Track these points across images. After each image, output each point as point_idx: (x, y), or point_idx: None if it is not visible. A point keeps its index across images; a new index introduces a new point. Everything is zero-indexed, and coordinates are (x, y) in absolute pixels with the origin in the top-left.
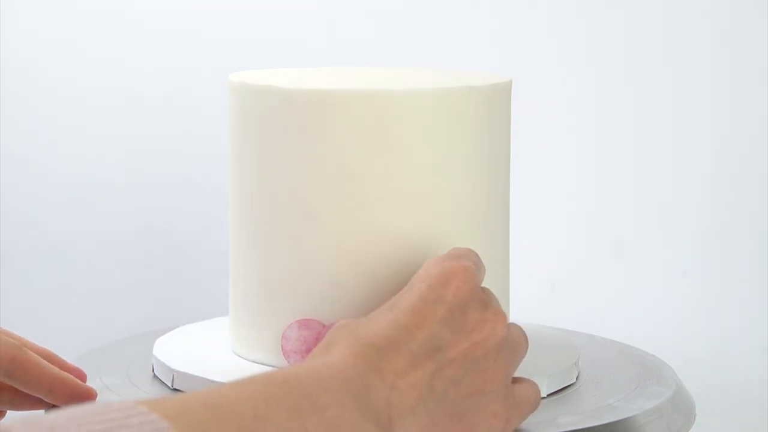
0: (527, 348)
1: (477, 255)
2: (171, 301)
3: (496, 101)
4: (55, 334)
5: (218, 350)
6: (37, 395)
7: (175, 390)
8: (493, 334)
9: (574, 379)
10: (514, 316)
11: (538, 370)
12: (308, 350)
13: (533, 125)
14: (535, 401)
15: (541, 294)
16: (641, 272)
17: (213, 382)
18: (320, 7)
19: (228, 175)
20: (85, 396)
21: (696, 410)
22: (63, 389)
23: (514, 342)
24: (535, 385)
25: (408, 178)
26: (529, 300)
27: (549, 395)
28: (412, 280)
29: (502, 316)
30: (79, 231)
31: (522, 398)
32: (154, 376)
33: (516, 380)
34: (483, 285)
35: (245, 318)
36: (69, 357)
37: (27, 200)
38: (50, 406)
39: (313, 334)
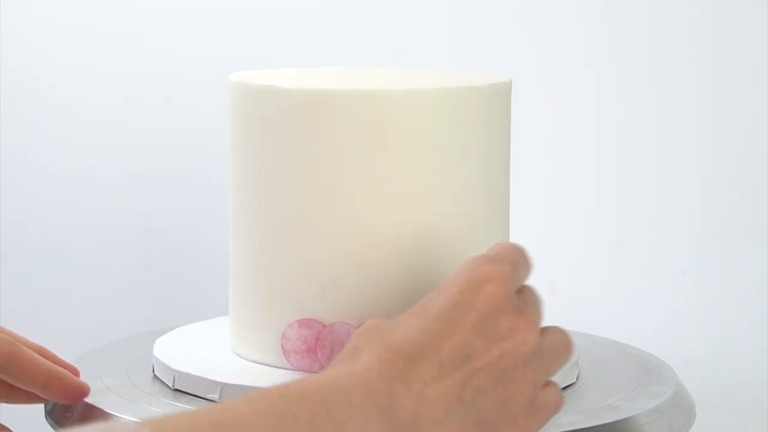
0: (570, 354)
1: (520, 252)
2: (171, 301)
3: (496, 101)
4: (55, 334)
5: (218, 350)
6: (31, 390)
7: (176, 390)
8: (523, 343)
9: (575, 379)
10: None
11: None
12: (308, 350)
13: (533, 125)
14: (556, 406)
15: (541, 294)
16: (641, 272)
17: (213, 382)
18: (320, 7)
19: (228, 175)
20: (80, 391)
21: (696, 410)
22: (58, 384)
23: (550, 350)
24: (558, 389)
25: (408, 178)
26: None
27: None
28: (443, 283)
29: (534, 323)
30: (79, 231)
31: (544, 404)
32: (154, 376)
33: (544, 384)
34: None
35: (245, 318)
36: (69, 357)
37: (27, 200)
38: (44, 401)
39: (313, 334)
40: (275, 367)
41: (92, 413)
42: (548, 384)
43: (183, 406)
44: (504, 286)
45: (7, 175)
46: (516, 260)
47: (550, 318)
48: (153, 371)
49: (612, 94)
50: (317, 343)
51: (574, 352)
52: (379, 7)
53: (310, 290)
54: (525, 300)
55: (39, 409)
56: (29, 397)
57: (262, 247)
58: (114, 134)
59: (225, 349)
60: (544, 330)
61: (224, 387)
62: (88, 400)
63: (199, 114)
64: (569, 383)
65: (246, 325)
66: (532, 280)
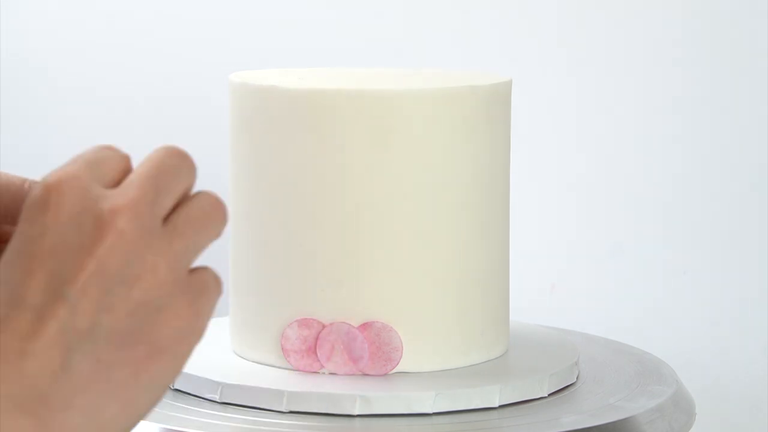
0: (222, 219)
1: (101, 150)
2: None
3: (497, 101)
4: None
5: (218, 350)
6: None
7: (176, 390)
8: (121, 235)
9: (575, 379)
10: (515, 316)
11: (538, 370)
12: (308, 350)
13: (533, 125)
14: (215, 283)
15: (541, 294)
16: (641, 272)
17: (213, 382)
18: (321, 8)
19: (228, 175)
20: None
21: (696, 410)
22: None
23: (187, 222)
24: (211, 271)
25: (408, 177)
26: (529, 300)
27: (550, 395)
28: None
29: (133, 203)
30: None
31: (203, 283)
32: None
33: (192, 270)
34: (481, 282)
35: (245, 318)
36: None
37: None
38: None
39: (313, 334)
40: (275, 367)
41: None
42: (198, 269)
43: (183, 406)
44: (75, 189)
45: None
46: (91, 158)
47: (550, 318)
48: None
49: (612, 93)
50: (317, 343)
51: (225, 214)
52: (380, 7)
53: (310, 290)
54: (104, 197)
55: None
56: None
57: (262, 247)
58: (114, 134)
59: (225, 349)
60: (193, 196)
61: (224, 387)
62: None
63: (200, 114)
64: (569, 383)
65: (246, 325)
66: (532, 280)
